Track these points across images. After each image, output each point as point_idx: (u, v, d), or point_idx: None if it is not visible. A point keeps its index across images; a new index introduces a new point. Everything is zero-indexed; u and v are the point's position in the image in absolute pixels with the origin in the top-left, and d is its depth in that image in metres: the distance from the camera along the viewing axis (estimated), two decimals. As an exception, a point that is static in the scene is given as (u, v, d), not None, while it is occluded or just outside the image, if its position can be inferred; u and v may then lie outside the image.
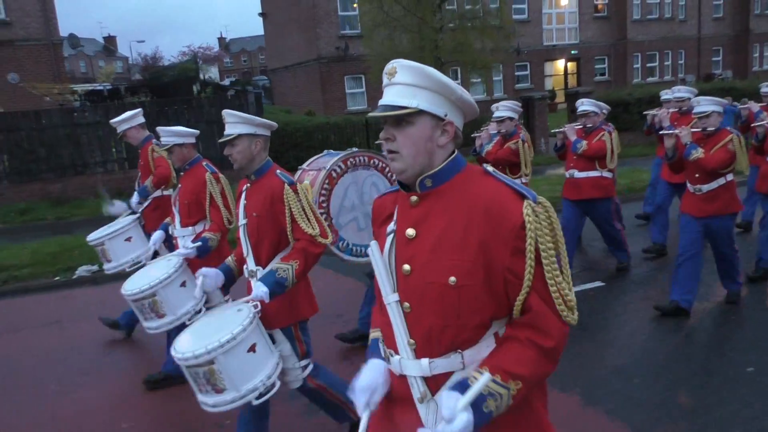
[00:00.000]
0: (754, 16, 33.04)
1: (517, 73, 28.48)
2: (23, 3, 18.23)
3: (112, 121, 5.36)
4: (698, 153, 4.69)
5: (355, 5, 23.72)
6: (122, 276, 4.14)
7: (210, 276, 2.96)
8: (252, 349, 2.64)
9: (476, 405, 1.42)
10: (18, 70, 18.08)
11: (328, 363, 4.45)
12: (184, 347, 2.58)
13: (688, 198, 4.96)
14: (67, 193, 11.66)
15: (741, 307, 5.20)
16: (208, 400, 2.61)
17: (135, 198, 5.15)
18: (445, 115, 1.53)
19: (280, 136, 13.29)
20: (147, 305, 3.49)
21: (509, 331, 1.53)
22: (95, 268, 7.28)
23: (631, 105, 15.64)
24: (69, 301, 6.67)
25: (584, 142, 5.89)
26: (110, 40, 68.12)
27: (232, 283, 3.16)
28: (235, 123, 2.90)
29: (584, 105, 5.99)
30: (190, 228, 4.09)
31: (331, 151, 4.69)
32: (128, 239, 4.76)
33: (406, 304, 1.56)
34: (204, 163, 4.15)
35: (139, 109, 5.35)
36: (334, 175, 4.23)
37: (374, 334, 1.77)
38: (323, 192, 4.18)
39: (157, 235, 4.37)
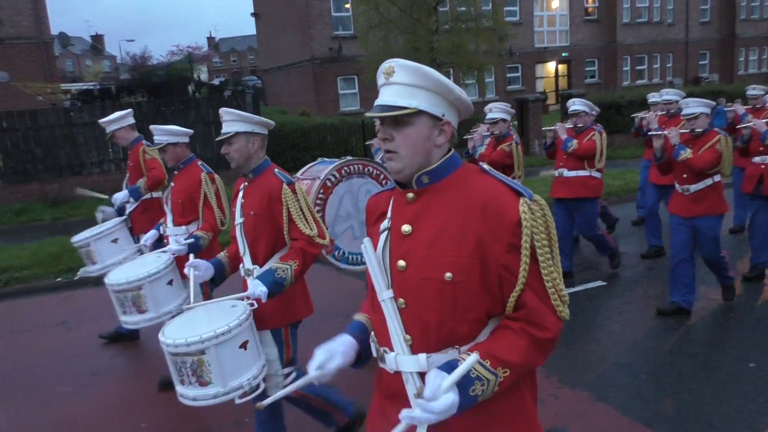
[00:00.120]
0: (740, 21, 33.55)
1: (508, 75, 28.68)
2: (14, 1, 18.05)
3: (101, 120, 5.26)
4: (687, 153, 4.76)
5: (347, 5, 23.78)
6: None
7: (201, 267, 2.93)
8: (243, 345, 2.62)
9: (463, 387, 1.42)
10: (8, 69, 17.89)
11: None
12: (174, 334, 2.53)
13: (675, 198, 5.03)
14: (63, 194, 11.56)
15: (740, 304, 5.34)
16: (189, 393, 2.55)
17: (122, 195, 5.03)
18: (443, 115, 1.54)
19: (277, 137, 13.30)
20: (130, 298, 3.43)
21: (504, 321, 1.53)
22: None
23: (623, 107, 15.84)
24: (73, 303, 6.65)
25: (575, 141, 5.95)
26: (97, 39, 67.42)
27: (222, 279, 3.11)
28: (232, 121, 2.89)
29: (576, 104, 6.06)
30: (183, 227, 4.09)
31: (325, 159, 4.67)
32: (114, 240, 4.65)
33: (401, 300, 1.55)
34: (199, 163, 4.15)
35: (130, 110, 5.26)
36: (328, 184, 4.23)
37: (358, 317, 1.79)
38: (318, 201, 4.17)
39: (151, 233, 4.37)
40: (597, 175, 6.03)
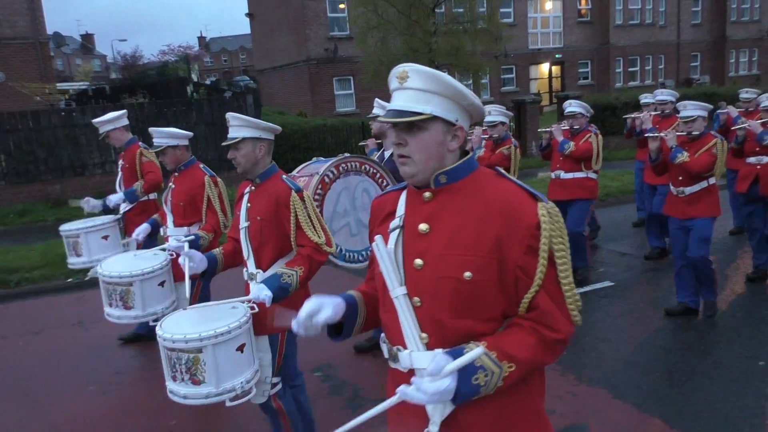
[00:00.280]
0: (730, 24, 34.03)
1: (503, 77, 28.90)
2: (10, 1, 17.95)
3: (95, 120, 5.19)
4: (683, 156, 4.80)
5: (342, 6, 23.84)
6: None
7: (195, 259, 2.91)
8: (240, 348, 2.61)
9: (466, 375, 1.43)
10: (4, 69, 17.78)
11: (332, 364, 4.64)
12: (173, 329, 2.51)
13: (671, 200, 5.10)
14: (66, 195, 11.57)
15: (745, 304, 5.49)
16: (180, 390, 2.54)
17: (116, 198, 5.02)
18: (456, 121, 1.55)
19: (277, 138, 13.15)
20: (119, 292, 3.42)
21: (516, 319, 1.55)
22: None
23: (618, 109, 16.01)
24: (85, 303, 6.67)
25: (572, 143, 5.99)
26: (88, 38, 66.93)
27: (213, 274, 3.10)
28: (239, 126, 2.88)
29: (572, 106, 6.11)
30: (185, 228, 4.12)
31: (321, 158, 4.69)
32: (105, 237, 4.64)
33: (416, 299, 1.56)
34: (201, 166, 4.17)
35: (124, 111, 5.24)
36: (326, 180, 4.24)
37: (350, 291, 1.80)
38: (316, 197, 4.19)
39: (143, 227, 4.40)
40: (593, 176, 6.09)
